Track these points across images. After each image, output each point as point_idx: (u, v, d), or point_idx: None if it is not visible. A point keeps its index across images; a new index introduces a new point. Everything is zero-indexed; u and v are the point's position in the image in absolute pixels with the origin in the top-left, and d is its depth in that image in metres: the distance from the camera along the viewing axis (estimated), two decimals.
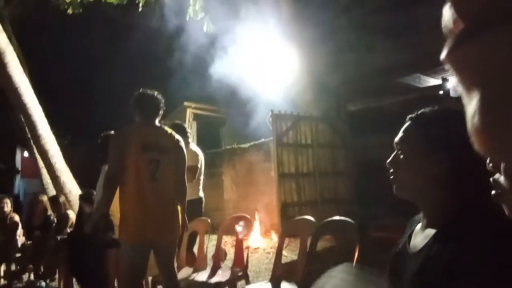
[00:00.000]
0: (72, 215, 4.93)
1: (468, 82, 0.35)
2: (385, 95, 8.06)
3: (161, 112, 2.98)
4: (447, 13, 0.37)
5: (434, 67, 7.63)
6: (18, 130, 10.01)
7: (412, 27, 7.01)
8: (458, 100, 0.41)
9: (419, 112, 0.99)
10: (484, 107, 0.34)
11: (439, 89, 7.37)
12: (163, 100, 2.99)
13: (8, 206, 5.26)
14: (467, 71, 0.36)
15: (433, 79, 8.57)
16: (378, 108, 8.06)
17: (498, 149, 0.35)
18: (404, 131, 1.00)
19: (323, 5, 8.08)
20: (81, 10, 5.60)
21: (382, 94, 8.11)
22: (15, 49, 7.84)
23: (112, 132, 3.81)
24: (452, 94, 7.00)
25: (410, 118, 1.01)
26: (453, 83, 7.14)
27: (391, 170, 1.01)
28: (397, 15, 7.16)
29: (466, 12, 0.35)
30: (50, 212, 5.14)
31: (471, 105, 0.35)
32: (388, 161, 1.01)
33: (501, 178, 0.43)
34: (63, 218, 4.88)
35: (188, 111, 10.57)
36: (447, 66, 0.37)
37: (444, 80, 7.34)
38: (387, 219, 6.39)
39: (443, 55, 0.37)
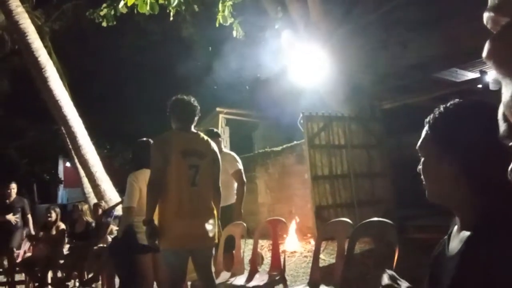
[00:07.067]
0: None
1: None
2: (420, 91, 7.82)
3: (196, 118, 3.01)
4: (487, 14, 0.38)
5: (471, 60, 7.35)
6: (60, 142, 10.46)
7: (447, 20, 6.78)
8: (498, 93, 0.39)
9: (432, 114, 0.97)
10: None
11: (477, 82, 7.09)
12: (198, 106, 3.03)
13: (54, 215, 5.49)
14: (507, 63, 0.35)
15: (470, 72, 8.26)
16: (414, 105, 7.83)
17: None
18: (421, 136, 0.99)
19: (352, 2, 7.96)
20: (114, 23, 5.78)
21: (417, 90, 7.88)
22: (54, 64, 8.22)
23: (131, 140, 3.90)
24: (491, 87, 6.70)
25: (426, 122, 0.98)
26: (492, 76, 6.84)
27: (422, 176, 0.99)
28: (430, 8, 6.95)
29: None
30: (91, 220, 5.33)
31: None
32: (418, 167, 1.00)
33: None
34: (102, 225, 5.04)
35: (221, 116, 10.67)
36: (488, 63, 0.38)
37: (483, 73, 7.05)
38: (427, 219, 6.18)
39: (484, 53, 0.38)
